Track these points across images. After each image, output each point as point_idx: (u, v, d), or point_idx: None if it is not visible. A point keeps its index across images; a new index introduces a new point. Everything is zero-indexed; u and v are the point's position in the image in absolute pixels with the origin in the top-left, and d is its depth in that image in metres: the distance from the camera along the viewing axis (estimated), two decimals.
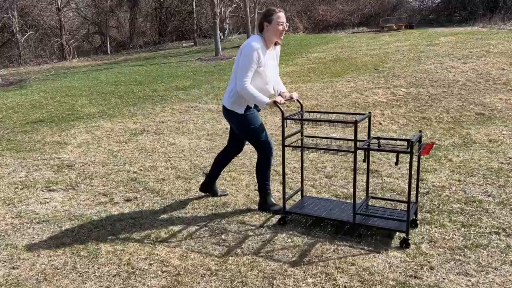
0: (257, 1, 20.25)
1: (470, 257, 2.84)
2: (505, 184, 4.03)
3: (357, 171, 4.54)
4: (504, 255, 2.86)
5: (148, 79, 11.77)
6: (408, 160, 2.96)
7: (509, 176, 4.22)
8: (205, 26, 24.05)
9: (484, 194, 3.86)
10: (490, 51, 11.07)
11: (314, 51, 14.99)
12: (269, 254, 3.00)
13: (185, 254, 3.03)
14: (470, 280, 2.61)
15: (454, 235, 3.15)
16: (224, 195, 4.06)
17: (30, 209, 3.92)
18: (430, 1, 26.50)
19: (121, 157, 5.43)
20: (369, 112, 3.40)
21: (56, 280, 2.79)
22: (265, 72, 3.40)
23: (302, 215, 3.48)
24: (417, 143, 3.06)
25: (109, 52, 23.18)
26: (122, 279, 2.76)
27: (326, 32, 23.10)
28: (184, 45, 22.32)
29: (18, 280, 2.79)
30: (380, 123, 6.91)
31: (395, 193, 3.95)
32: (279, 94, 3.62)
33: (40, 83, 12.61)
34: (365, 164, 3.49)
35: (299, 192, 3.82)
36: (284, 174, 3.39)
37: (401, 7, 25.65)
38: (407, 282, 2.61)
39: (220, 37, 17.21)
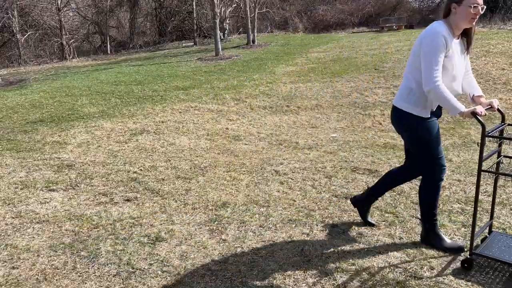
0: (257, 1, 20.25)
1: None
2: (505, 184, 4.03)
3: (357, 172, 4.55)
4: None
5: (148, 79, 11.77)
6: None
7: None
8: (205, 26, 24.05)
9: (484, 194, 3.86)
10: (490, 51, 11.06)
11: (314, 51, 14.99)
12: (269, 254, 3.00)
13: (185, 254, 3.03)
14: (470, 280, 2.61)
15: (454, 235, 3.15)
16: (372, 224, 3.36)
17: (30, 209, 3.92)
18: (430, 1, 26.52)
19: (121, 157, 5.42)
20: None
21: (56, 280, 2.79)
22: (451, 63, 2.75)
23: (501, 262, 2.60)
24: None
25: (109, 52, 23.18)
26: (122, 279, 2.76)
27: (326, 32, 23.09)
28: (184, 45, 22.31)
29: (18, 280, 2.79)
30: (380, 123, 6.91)
31: (395, 193, 3.95)
32: (472, 99, 2.93)
33: (40, 83, 12.61)
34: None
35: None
36: (476, 205, 2.65)
37: (401, 7, 25.64)
38: (407, 282, 2.61)
39: (220, 37, 17.21)
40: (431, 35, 2.70)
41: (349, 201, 3.62)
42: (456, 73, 2.80)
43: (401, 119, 2.92)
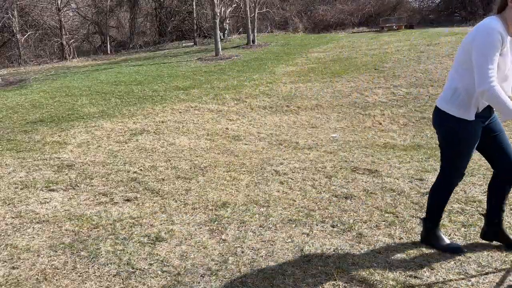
0: (257, 1, 20.26)
1: (470, 257, 2.84)
2: None
3: (357, 171, 4.56)
4: (504, 255, 2.86)
5: (148, 79, 11.77)
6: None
7: None
8: (205, 26, 24.06)
9: (484, 194, 3.85)
10: None
11: (314, 51, 15.00)
12: (269, 254, 3.00)
13: (185, 254, 3.03)
14: (470, 280, 2.60)
15: (454, 235, 3.14)
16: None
17: (30, 209, 3.92)
18: (430, 1, 26.56)
19: (121, 157, 5.42)
20: None
21: (56, 280, 2.79)
22: (505, 62, 2.54)
23: None
24: None
25: (109, 52, 23.19)
26: (122, 279, 2.76)
27: (326, 32, 23.10)
28: (184, 45, 22.32)
29: (18, 280, 2.79)
30: (380, 123, 6.92)
31: (395, 193, 3.95)
32: None
33: (40, 83, 12.61)
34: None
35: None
36: None
37: (401, 7, 25.68)
38: (407, 282, 2.61)
39: (220, 37, 17.22)
40: (486, 31, 2.48)
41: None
42: (508, 73, 2.59)
43: (443, 122, 2.74)
